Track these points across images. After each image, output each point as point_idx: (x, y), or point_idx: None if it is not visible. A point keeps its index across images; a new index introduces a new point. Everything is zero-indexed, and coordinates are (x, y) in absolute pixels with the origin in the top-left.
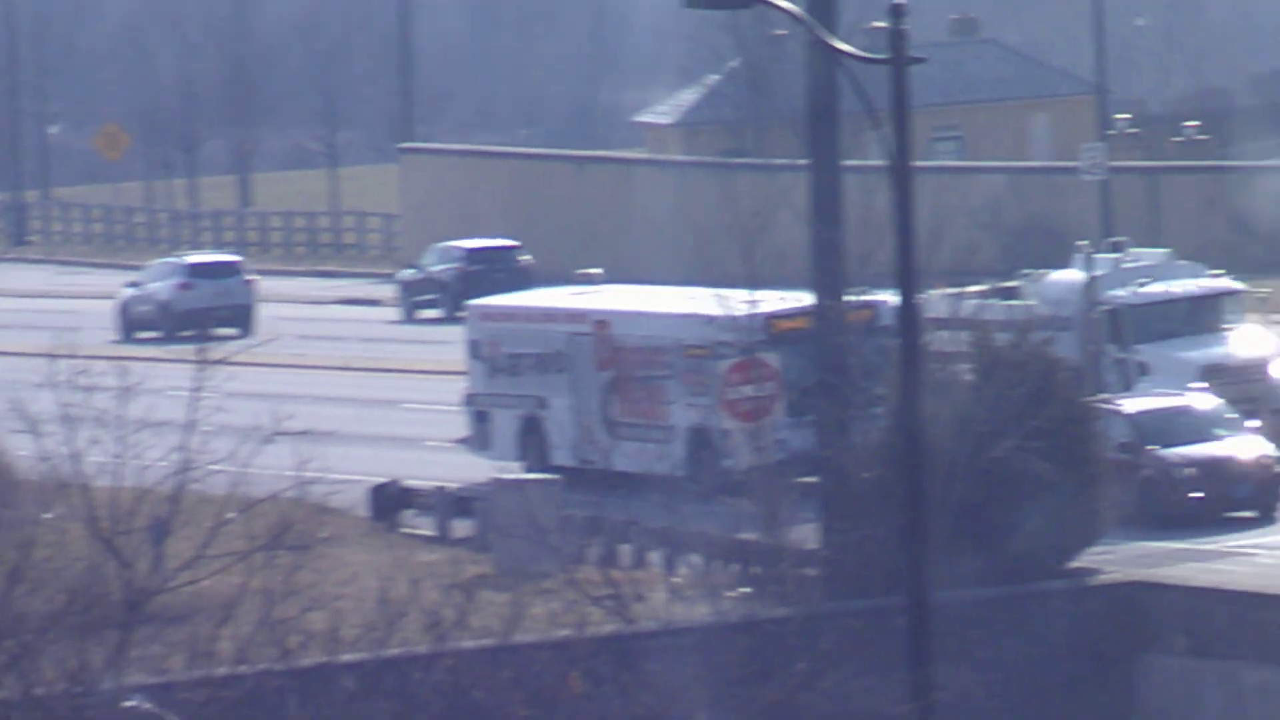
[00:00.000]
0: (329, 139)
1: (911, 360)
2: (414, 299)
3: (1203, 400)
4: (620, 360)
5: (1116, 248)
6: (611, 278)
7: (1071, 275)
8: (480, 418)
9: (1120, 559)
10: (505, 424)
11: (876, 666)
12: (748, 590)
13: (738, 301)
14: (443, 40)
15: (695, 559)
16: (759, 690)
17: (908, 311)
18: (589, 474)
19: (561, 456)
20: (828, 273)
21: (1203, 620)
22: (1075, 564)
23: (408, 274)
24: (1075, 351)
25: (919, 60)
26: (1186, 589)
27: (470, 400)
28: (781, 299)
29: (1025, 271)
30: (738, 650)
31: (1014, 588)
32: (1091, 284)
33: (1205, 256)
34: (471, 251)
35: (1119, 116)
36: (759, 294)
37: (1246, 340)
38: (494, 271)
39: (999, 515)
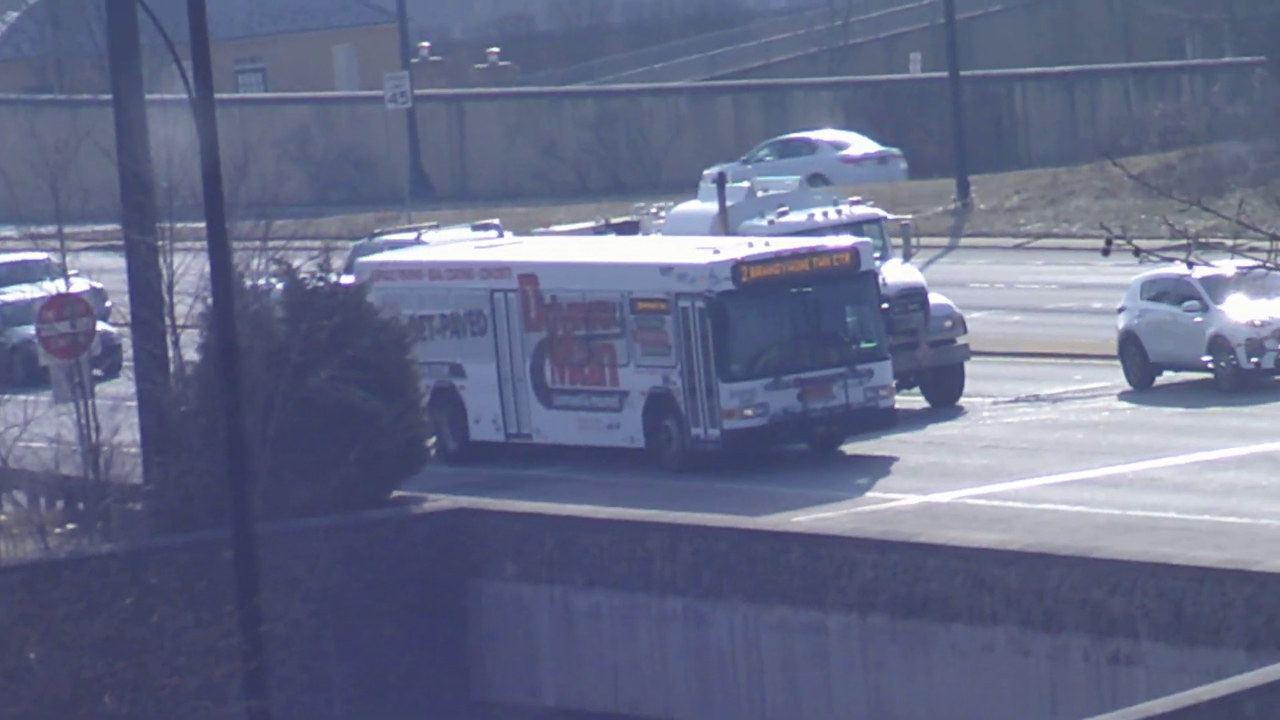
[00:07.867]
0: None
1: (224, 293)
2: None
3: None
4: (554, 319)
5: (720, 178)
6: None
7: (703, 207)
8: None
9: (449, 486)
10: None
11: (206, 600)
12: (74, 527)
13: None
14: None
15: (20, 497)
16: (88, 626)
17: (216, 243)
18: (520, 448)
19: (483, 430)
20: (136, 207)
21: (532, 545)
22: (403, 492)
23: None
24: None
25: None
26: (514, 515)
27: None
28: (749, 244)
29: (639, 204)
30: (65, 587)
31: (339, 517)
32: (725, 214)
33: (514, 182)
34: None
35: (421, 45)
36: (723, 241)
37: (899, 269)
38: None
39: (320, 446)
